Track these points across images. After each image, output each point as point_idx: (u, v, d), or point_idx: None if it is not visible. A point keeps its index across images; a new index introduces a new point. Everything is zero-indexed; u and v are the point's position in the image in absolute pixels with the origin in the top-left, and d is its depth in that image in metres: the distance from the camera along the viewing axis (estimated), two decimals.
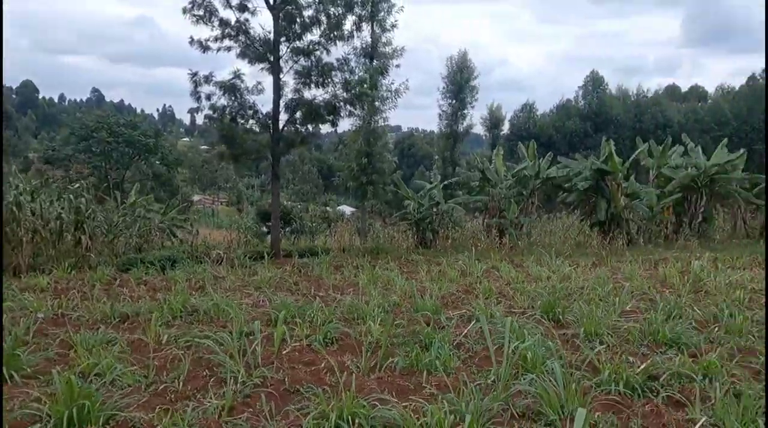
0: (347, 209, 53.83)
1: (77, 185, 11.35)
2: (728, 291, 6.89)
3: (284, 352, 4.34)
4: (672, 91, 57.97)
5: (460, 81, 30.42)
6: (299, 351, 4.41)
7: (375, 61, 19.44)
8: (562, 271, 9.08)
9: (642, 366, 3.65)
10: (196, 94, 13.96)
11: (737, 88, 43.19)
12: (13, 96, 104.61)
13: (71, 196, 10.40)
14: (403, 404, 3.11)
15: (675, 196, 18.40)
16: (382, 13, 19.43)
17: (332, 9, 13.36)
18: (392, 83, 19.58)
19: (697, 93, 58.02)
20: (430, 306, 6.03)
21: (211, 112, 14.18)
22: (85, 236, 10.38)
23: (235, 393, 3.39)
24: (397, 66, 18.40)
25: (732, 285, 7.33)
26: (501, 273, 9.73)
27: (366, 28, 18.41)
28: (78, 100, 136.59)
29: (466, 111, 31.25)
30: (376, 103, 19.46)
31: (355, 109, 14.37)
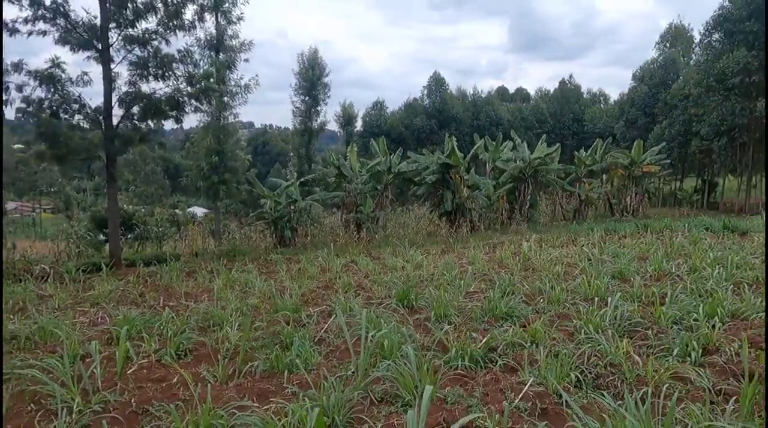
0: (199, 211, 50.60)
1: None
2: (550, 267, 7.98)
3: (129, 372, 3.96)
4: (502, 92, 64.95)
5: (312, 78, 30.46)
6: (147, 369, 4.06)
7: (222, 54, 18.52)
8: (415, 260, 9.66)
9: (483, 341, 4.08)
10: (2, 84, 11.89)
11: (552, 91, 50.00)
12: None
13: None
14: (264, 407, 3.05)
15: (507, 186, 20.75)
16: (227, 4, 18.59)
17: None
18: (242, 78, 18.90)
19: (521, 94, 65.86)
20: (290, 305, 5.98)
21: (24, 106, 12.24)
22: None
23: (69, 425, 3.01)
24: (246, 60, 17.86)
25: (552, 261, 8.50)
26: (359, 267, 10.03)
27: (210, 19, 17.49)
28: None
29: (319, 108, 31.43)
30: (225, 99, 18.61)
31: (201, 105, 13.51)
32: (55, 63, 11.64)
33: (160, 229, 18.34)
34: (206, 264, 11.60)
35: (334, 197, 20.51)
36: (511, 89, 69.39)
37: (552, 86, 54.12)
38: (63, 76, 11.77)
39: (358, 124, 40.09)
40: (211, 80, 13.41)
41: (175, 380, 3.76)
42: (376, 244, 16.09)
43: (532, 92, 61.34)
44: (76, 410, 3.19)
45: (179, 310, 6.28)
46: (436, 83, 43.63)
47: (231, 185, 18.97)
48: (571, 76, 52.52)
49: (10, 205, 56.52)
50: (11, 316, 6.64)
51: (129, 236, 21.17)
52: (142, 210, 32.28)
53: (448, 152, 19.47)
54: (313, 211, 19.00)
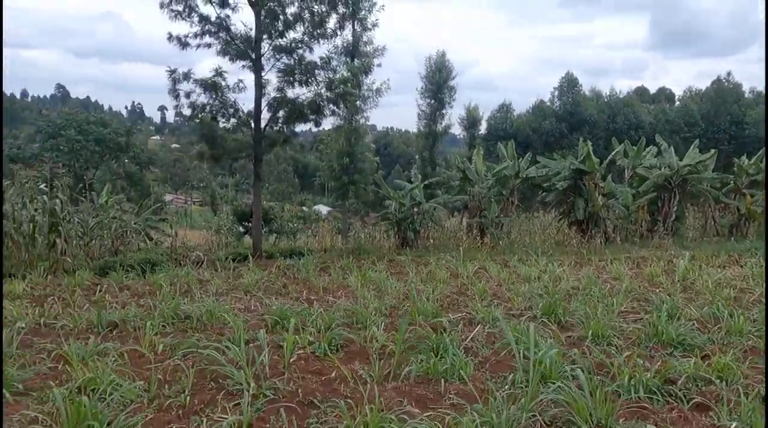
0: (323, 209, 53.49)
1: (43, 185, 10.83)
2: (716, 290, 7.02)
3: (290, 361, 4.19)
4: (641, 92, 59.49)
5: (438, 81, 30.50)
6: (305, 360, 4.27)
7: (356, 60, 19.30)
8: (551, 271, 9.13)
9: (658, 370, 3.65)
10: (174, 92, 13.56)
11: (703, 90, 44.57)
12: None
13: (45, 196, 9.95)
14: (426, 414, 3.01)
15: (649, 195, 18.84)
16: (364, 12, 19.32)
17: (316, 6, 13.15)
18: (373, 82, 19.50)
19: (665, 95, 59.72)
20: (429, 309, 5.95)
21: (190, 111, 13.82)
22: (60, 239, 9.94)
23: (248, 408, 3.24)
24: (379, 65, 18.27)
25: (718, 283, 7.48)
26: (490, 273, 9.74)
27: (347, 26, 18.26)
28: (41, 95, 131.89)
29: (444, 111, 31.38)
30: (358, 103, 19.32)
31: (339, 109, 14.20)
32: (218, 72, 12.96)
33: (294, 225, 19.63)
34: (336, 261, 12.05)
35: (457, 200, 20.30)
36: (652, 89, 63.27)
37: (703, 85, 48.28)
38: (224, 83, 13.06)
39: (482, 128, 39.40)
40: (349, 85, 14.01)
41: (333, 374, 3.89)
42: (500, 250, 15.56)
43: (677, 92, 55.32)
44: (251, 394, 3.42)
45: (322, 305, 6.57)
46: (569, 84, 41.27)
47: (359, 186, 19.69)
48: (729, 74, 46.25)
49: (167, 197, 64.59)
50: (179, 297, 7.46)
51: (265, 230, 23.00)
52: (275, 206, 34.99)
53: (582, 157, 18.22)
54: (436, 213, 18.98)
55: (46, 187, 10.53)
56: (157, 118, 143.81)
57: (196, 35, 13.50)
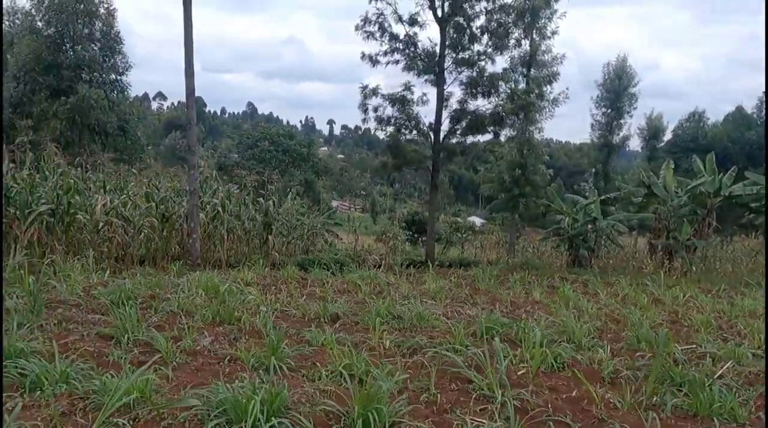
0: (477, 220, 52.89)
1: (239, 189, 12.51)
2: None
3: (518, 373, 4.16)
4: None
5: (617, 88, 28.24)
6: (534, 375, 4.20)
7: (533, 69, 18.81)
8: None
9: None
10: (363, 106, 14.65)
11: None
12: (184, 110, 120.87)
13: (261, 198, 11.50)
14: None
15: None
16: (543, 20, 18.73)
17: (503, 18, 13.14)
18: (550, 92, 18.79)
19: None
20: (647, 335, 5.44)
21: (375, 123, 14.79)
22: (272, 236, 11.34)
23: (497, 412, 3.28)
24: (557, 74, 17.49)
25: None
26: (699, 303, 8.60)
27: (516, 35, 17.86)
28: (236, 112, 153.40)
29: (622, 120, 28.94)
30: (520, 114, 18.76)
31: (520, 120, 13.97)
32: (407, 86, 13.67)
33: (463, 235, 19.78)
34: (507, 274, 11.68)
35: (638, 218, 18.46)
36: None
37: None
38: (413, 98, 13.73)
39: (665, 139, 35.39)
40: (532, 95, 13.71)
41: (574, 393, 3.76)
42: (696, 278, 13.66)
43: None
44: (500, 400, 3.45)
45: (519, 317, 6.43)
46: None
47: (530, 198, 19.08)
48: None
49: (333, 203, 70.19)
50: (373, 297, 7.92)
51: (423, 238, 23.61)
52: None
53: None
54: (615, 231, 17.46)
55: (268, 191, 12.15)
56: (325, 130, 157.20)
57: (385, 53, 14.48)
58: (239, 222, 10.97)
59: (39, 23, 23.35)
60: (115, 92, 25.13)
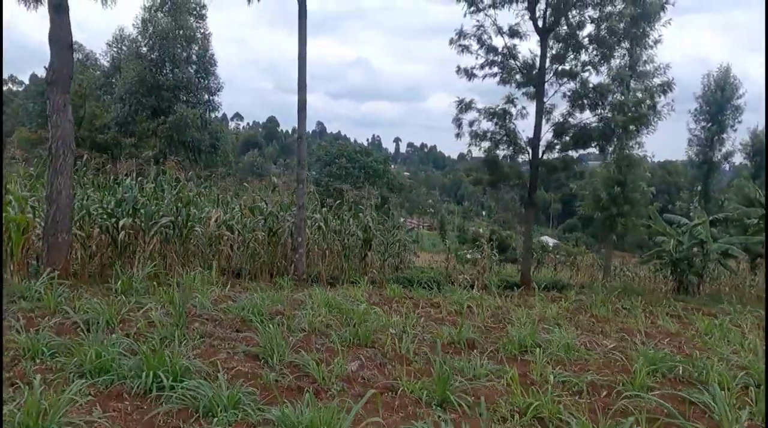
0: (550, 240, 50.64)
1: (335, 205, 12.36)
2: None
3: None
4: None
5: (720, 100, 26.08)
6: None
7: (633, 81, 17.61)
8: None
9: None
10: (457, 121, 14.22)
11: None
12: (260, 129, 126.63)
13: (361, 214, 11.32)
14: None
15: None
16: (645, 28, 17.54)
17: (615, 26, 12.33)
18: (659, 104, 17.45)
19: None
20: None
21: (470, 138, 14.29)
22: (371, 252, 11.08)
23: None
24: (672, 84, 16.17)
25: None
26: None
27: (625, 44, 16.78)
28: (307, 131, 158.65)
29: (725, 135, 26.61)
30: (631, 127, 17.50)
31: (630, 133, 13.01)
32: (510, 99, 13.12)
33: (559, 256, 18.71)
34: (611, 300, 10.62)
35: (755, 242, 16.65)
36: None
37: None
38: (514, 112, 13.15)
39: None
40: (644, 107, 12.71)
41: None
42: None
43: None
44: None
45: (691, 356, 5.63)
46: None
47: (629, 218, 17.74)
48: None
49: (400, 220, 70.06)
50: (487, 319, 7.35)
51: (502, 257, 22.61)
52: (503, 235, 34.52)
53: None
54: (728, 255, 15.84)
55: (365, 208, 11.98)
56: (391, 148, 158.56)
57: (482, 66, 14.04)
58: (339, 238, 10.80)
59: (144, 49, 25.10)
60: (207, 112, 26.43)
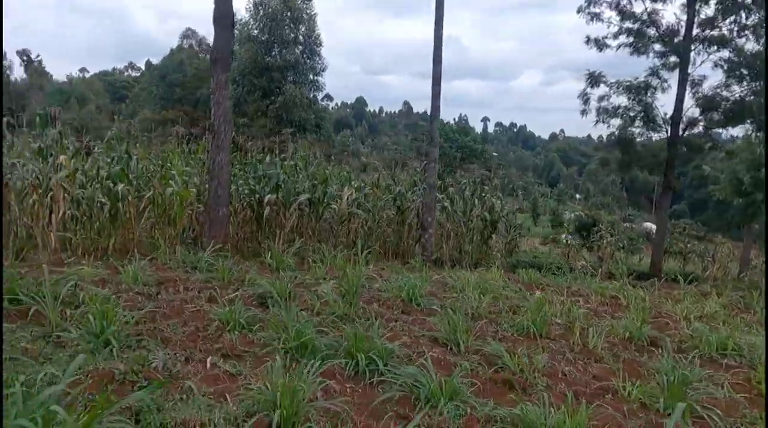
0: (653, 226, 46.65)
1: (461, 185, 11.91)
2: None
3: None
4: None
5: None
6: None
7: None
8: None
9: None
10: (584, 96, 13.17)
11: None
12: (348, 110, 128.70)
13: (485, 195, 10.86)
14: None
15: None
16: None
17: None
18: None
19: None
20: None
21: (596, 115, 13.20)
22: (495, 234, 10.63)
23: None
24: None
25: None
26: None
27: None
28: (393, 111, 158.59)
29: None
30: None
31: None
32: (653, 71, 11.89)
33: (688, 244, 17.04)
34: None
35: None
36: None
37: None
38: (656, 84, 11.92)
39: None
40: None
41: None
42: None
43: None
44: None
45: None
46: None
47: None
48: None
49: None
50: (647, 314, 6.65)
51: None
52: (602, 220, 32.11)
53: None
54: None
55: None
56: (479, 128, 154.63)
57: (615, 35, 12.83)
58: (464, 220, 10.44)
59: (255, 31, 26.03)
60: (312, 91, 27.01)
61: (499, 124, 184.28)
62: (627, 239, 22.11)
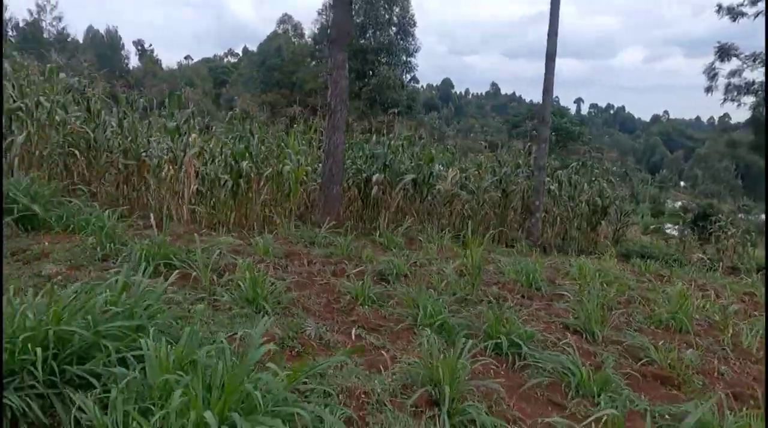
0: None
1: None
2: None
3: None
4: None
5: None
6: None
7: None
8: None
9: None
10: (711, 71, 11.92)
11: None
12: (434, 92, 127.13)
13: (597, 179, 10.24)
14: None
15: None
16: None
17: None
18: None
19: None
20: None
21: (724, 93, 11.92)
22: (605, 221, 10.01)
23: None
24: None
25: None
26: None
27: None
28: (479, 93, 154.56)
29: None
30: None
31: None
32: None
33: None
34: None
35: None
36: None
37: None
38: None
39: None
40: None
41: None
42: None
43: None
44: None
45: None
46: None
47: None
48: None
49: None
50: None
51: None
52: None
53: None
54: None
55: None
56: (572, 109, 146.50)
57: (753, 2, 11.41)
58: (572, 204, 9.92)
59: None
60: (404, 73, 26.97)
61: (593, 106, 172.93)
62: (744, 231, 19.95)
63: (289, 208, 7.31)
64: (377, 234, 6.96)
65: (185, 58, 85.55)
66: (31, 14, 47.05)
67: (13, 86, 6.35)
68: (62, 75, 7.08)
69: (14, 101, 6.25)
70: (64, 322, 2.13)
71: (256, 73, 33.54)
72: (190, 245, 4.50)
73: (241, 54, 73.23)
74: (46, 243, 4.67)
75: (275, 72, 32.41)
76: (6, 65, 6.24)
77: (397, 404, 2.37)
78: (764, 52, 8.41)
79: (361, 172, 8.38)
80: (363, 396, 2.33)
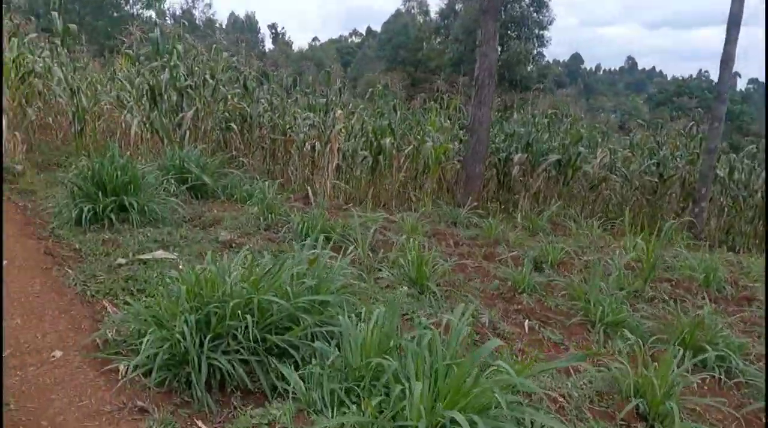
0: None
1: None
2: None
3: None
4: None
5: None
6: None
7: None
8: None
9: None
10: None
11: None
12: (560, 68, 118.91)
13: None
14: None
15: None
16: None
17: None
18: None
19: None
20: None
21: None
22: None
23: None
24: None
25: None
26: None
27: None
28: (612, 68, 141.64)
29: None
30: None
31: None
32: None
33: None
34: None
35: None
36: None
37: None
38: None
39: None
40: None
41: None
42: None
43: None
44: None
45: None
46: None
47: None
48: None
49: None
50: None
51: None
52: None
53: None
54: None
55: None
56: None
57: None
58: (745, 194, 8.59)
59: None
60: (536, 47, 25.38)
61: (753, 81, 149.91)
62: None
63: (428, 186, 7.19)
64: (519, 217, 6.59)
65: (312, 39, 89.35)
66: (187, 2, 52.27)
67: (184, 65, 6.93)
68: (225, 54, 7.61)
69: (185, 79, 6.83)
70: (262, 291, 2.17)
71: (383, 52, 33.86)
72: (344, 220, 4.56)
73: (364, 34, 74.57)
74: (215, 211, 5.05)
75: (401, 50, 32.33)
76: (179, 46, 6.82)
77: (596, 413, 2.11)
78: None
79: (500, 150, 7.99)
80: (561, 399, 2.10)
